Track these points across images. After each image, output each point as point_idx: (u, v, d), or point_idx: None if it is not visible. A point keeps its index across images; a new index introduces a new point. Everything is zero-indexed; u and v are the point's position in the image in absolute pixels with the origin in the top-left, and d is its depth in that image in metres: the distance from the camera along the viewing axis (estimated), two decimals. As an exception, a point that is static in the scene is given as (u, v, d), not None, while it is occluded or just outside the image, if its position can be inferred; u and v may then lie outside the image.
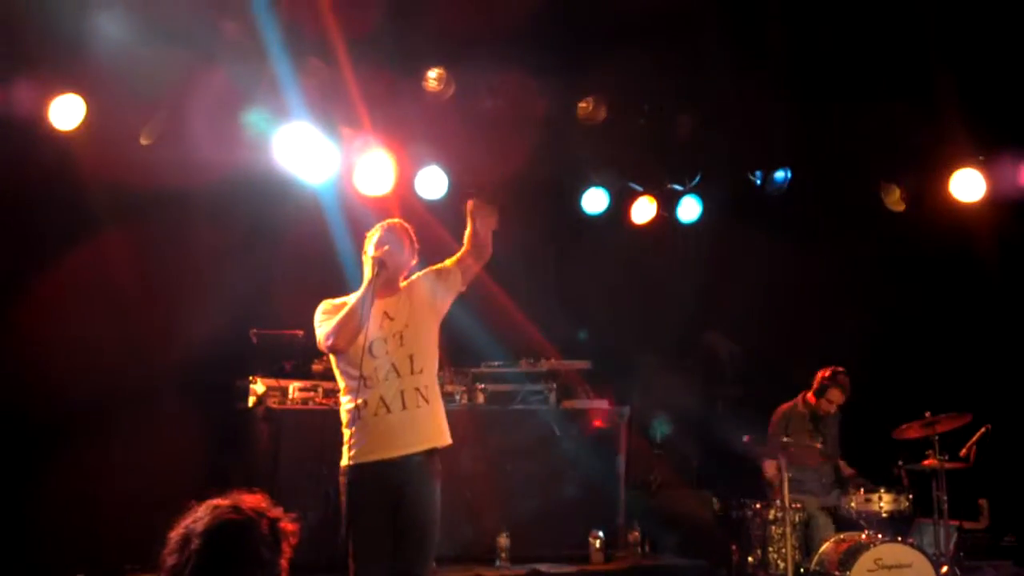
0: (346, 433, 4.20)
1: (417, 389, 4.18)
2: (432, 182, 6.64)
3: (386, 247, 4.19)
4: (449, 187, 6.69)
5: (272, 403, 5.87)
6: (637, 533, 6.45)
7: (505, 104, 6.53)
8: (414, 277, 4.40)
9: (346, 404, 4.22)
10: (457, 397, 6.28)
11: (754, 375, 7.47)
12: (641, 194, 7.41)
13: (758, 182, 7.55)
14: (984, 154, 7.09)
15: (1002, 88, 6.04)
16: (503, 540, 5.92)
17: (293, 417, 5.84)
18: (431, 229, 6.80)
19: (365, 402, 4.14)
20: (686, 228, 7.61)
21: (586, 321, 7.31)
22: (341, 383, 4.27)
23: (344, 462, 4.16)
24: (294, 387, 5.94)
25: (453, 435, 6.01)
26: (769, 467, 6.25)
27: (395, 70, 6.09)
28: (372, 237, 4.32)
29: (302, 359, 6.09)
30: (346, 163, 6.18)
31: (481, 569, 5.87)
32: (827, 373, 6.43)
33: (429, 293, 4.34)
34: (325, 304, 4.31)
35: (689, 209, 7.53)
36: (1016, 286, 6.93)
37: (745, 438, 6.07)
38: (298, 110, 5.71)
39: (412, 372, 4.20)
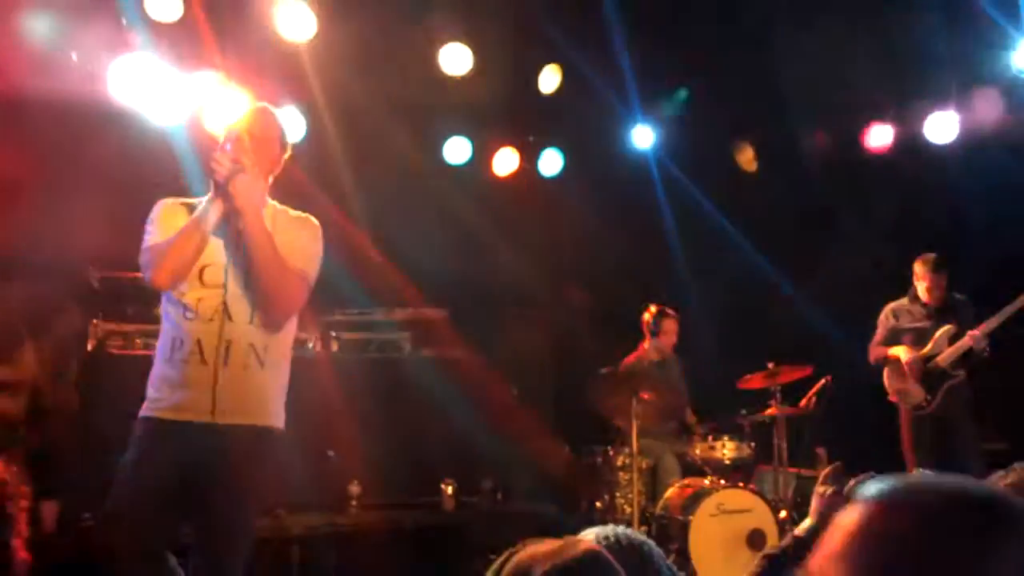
0: (155, 371, 3.27)
1: (252, 346, 3.24)
2: (290, 124, 6.44)
3: (253, 150, 3.21)
4: (308, 130, 6.52)
5: (113, 348, 5.66)
6: (490, 480, 6.52)
7: (369, 47, 6.38)
8: (295, 215, 3.44)
9: (161, 334, 3.31)
10: (310, 345, 6.17)
11: (608, 327, 7.59)
12: (503, 145, 7.41)
13: (623, 138, 7.66)
14: (835, 114, 7.38)
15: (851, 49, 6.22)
16: (354, 487, 5.89)
17: (135, 363, 5.63)
18: (289, 174, 6.65)
19: (181, 340, 3.21)
20: (548, 181, 7.65)
21: (447, 270, 7.28)
22: (162, 305, 3.33)
23: (143, 412, 3.23)
24: (137, 331, 5.73)
25: (306, 382, 5.90)
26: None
27: (250, 6, 5.88)
28: (232, 126, 3.33)
29: (145, 303, 5.87)
30: (196, 101, 5.94)
31: (333, 516, 5.84)
32: (653, 311, 6.80)
33: (293, 248, 3.31)
34: (161, 208, 3.33)
35: (551, 162, 7.58)
36: (858, 242, 7.22)
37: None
38: (143, 42, 5.45)
39: (250, 322, 3.24)
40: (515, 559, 1.46)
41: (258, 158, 3.26)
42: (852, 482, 2.47)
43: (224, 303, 3.23)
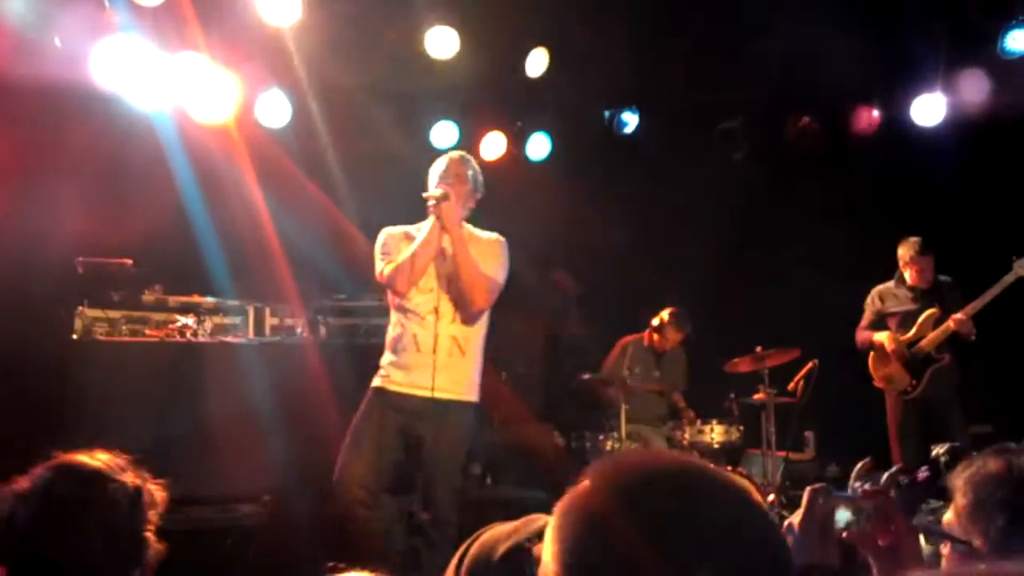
0: (384, 356, 4.35)
1: (455, 338, 4.23)
2: (274, 108, 6.39)
3: (446, 183, 4.23)
4: (293, 114, 6.47)
5: (99, 335, 5.61)
6: (479, 466, 6.52)
7: (354, 30, 6.33)
8: (486, 236, 4.43)
9: (389, 329, 4.40)
10: (297, 331, 6.14)
11: (597, 313, 7.60)
12: (490, 130, 7.37)
13: (610, 122, 7.63)
14: (820, 99, 7.38)
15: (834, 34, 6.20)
16: (343, 474, 5.86)
17: (122, 349, 5.60)
18: (275, 158, 6.61)
19: (401, 335, 4.27)
20: (535, 165, 7.61)
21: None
22: (391, 306, 4.41)
23: (374, 383, 4.35)
24: (123, 318, 5.68)
25: (294, 369, 5.96)
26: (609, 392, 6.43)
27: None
28: (434, 170, 4.37)
29: (131, 289, 5.82)
30: (180, 86, 5.87)
31: (321, 503, 5.79)
32: (666, 315, 6.83)
33: (484, 259, 4.30)
34: (386, 234, 4.38)
35: (539, 146, 7.54)
36: (842, 228, 7.23)
37: (585, 376, 6.25)
38: (125, 25, 5.37)
39: (453, 320, 4.23)
40: (478, 543, 1.47)
41: (456, 191, 4.23)
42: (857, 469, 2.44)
43: (435, 305, 4.20)
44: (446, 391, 4.24)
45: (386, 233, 4.41)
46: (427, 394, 4.21)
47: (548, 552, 1.07)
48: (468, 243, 4.27)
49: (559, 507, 1.09)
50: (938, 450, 4.94)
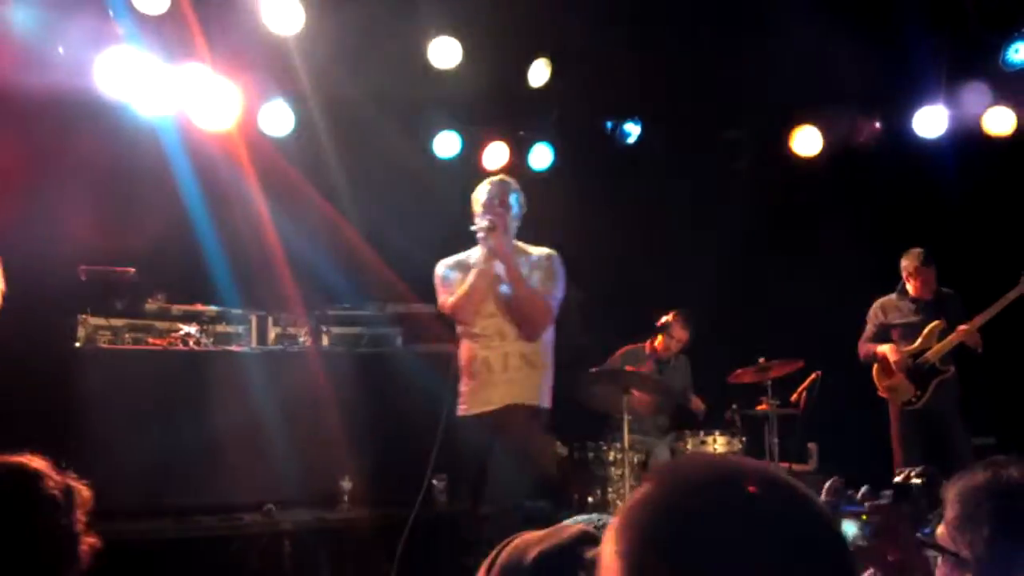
0: (461, 383, 4.54)
1: (523, 355, 4.42)
2: (278, 117, 6.40)
3: (492, 212, 4.33)
4: (296, 123, 6.48)
5: (102, 343, 5.61)
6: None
7: (357, 40, 6.34)
8: (537, 253, 4.55)
9: (460, 354, 4.54)
10: (301, 339, 6.14)
11: (600, 322, 7.58)
12: (493, 139, 7.37)
13: (612, 132, 7.63)
14: (823, 110, 7.38)
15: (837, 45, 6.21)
16: (345, 483, 5.85)
17: (125, 357, 5.60)
18: (279, 167, 6.62)
19: (472, 360, 4.44)
20: (538, 175, 7.61)
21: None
22: (457, 334, 4.57)
23: (458, 412, 4.56)
24: (126, 326, 5.68)
25: (297, 377, 5.96)
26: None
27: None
28: (478, 199, 4.47)
29: (134, 297, 5.82)
30: (184, 95, 5.88)
31: (323, 512, 5.80)
32: (671, 315, 6.72)
33: (538, 277, 4.47)
34: (443, 268, 4.54)
35: (541, 156, 7.54)
36: (845, 239, 7.23)
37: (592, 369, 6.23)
38: (129, 35, 5.39)
39: (519, 338, 4.40)
40: (508, 548, 1.47)
41: (502, 220, 4.35)
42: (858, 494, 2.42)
43: (499, 328, 4.39)
44: (512, 398, 4.44)
45: (442, 266, 4.58)
46: (496, 406, 4.44)
47: (608, 544, 1.09)
48: (520, 262, 4.43)
49: (625, 502, 1.13)
50: (908, 471, 4.94)
